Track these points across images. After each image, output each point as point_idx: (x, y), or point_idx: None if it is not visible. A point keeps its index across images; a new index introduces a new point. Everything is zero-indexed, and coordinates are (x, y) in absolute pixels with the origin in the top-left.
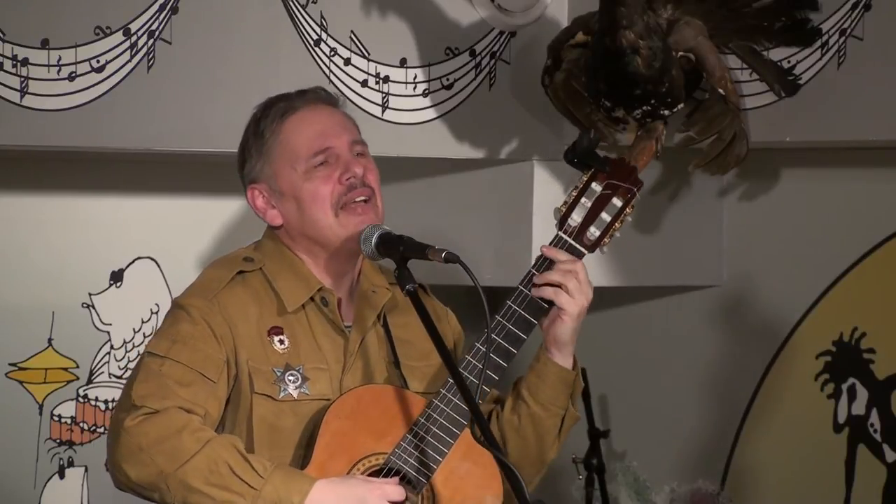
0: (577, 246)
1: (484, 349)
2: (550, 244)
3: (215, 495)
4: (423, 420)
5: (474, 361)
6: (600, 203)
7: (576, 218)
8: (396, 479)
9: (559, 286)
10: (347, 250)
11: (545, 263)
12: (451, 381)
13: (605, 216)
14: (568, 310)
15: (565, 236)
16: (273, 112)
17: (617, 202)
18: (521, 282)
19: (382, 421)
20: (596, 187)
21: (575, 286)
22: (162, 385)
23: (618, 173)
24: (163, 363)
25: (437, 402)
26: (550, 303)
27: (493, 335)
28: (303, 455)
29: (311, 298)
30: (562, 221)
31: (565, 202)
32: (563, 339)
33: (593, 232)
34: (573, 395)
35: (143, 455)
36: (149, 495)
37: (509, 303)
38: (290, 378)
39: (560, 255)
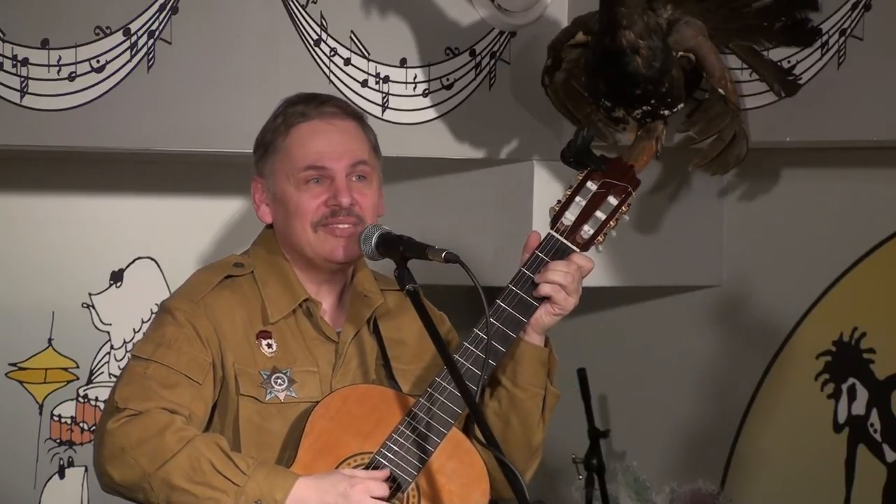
0: (569, 244)
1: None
2: (540, 243)
3: (198, 493)
4: (409, 419)
5: (463, 360)
6: (595, 201)
7: (569, 217)
8: (383, 472)
9: (558, 284)
10: (327, 267)
11: (536, 261)
12: (438, 380)
13: (600, 214)
14: (566, 307)
15: (557, 235)
16: (289, 114)
17: (612, 200)
18: (511, 282)
19: (368, 421)
20: (591, 186)
21: (575, 287)
22: (145, 387)
23: (614, 172)
24: (147, 366)
25: (423, 401)
26: (538, 301)
27: (487, 330)
28: (288, 456)
29: (300, 305)
30: (554, 220)
31: (559, 201)
32: (548, 326)
33: (587, 230)
34: (549, 372)
35: (126, 456)
36: (133, 496)
37: (499, 302)
38: (278, 381)
39: (558, 266)
